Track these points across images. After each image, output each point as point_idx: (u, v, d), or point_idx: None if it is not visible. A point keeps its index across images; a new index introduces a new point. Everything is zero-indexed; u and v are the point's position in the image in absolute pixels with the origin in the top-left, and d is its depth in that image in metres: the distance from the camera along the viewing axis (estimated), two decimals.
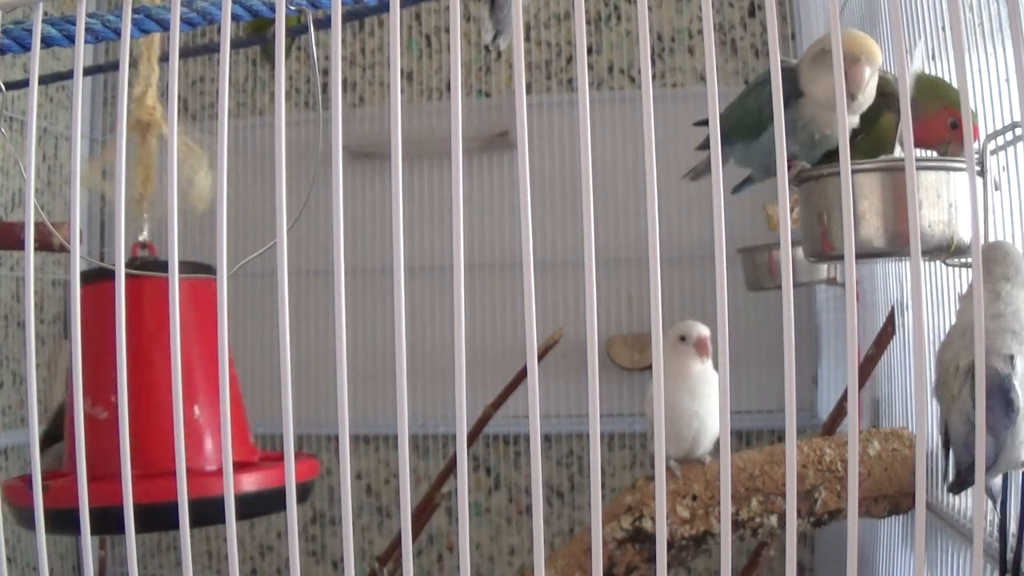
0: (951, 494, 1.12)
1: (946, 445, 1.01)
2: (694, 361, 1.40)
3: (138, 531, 0.67)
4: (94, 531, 0.69)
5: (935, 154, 1.11)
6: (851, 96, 1.06)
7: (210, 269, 1.32)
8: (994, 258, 0.94)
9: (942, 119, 1.06)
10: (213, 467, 1.25)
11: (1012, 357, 0.89)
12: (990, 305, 0.92)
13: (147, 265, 1.29)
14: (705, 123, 1.33)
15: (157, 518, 0.83)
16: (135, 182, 1.35)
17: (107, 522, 0.79)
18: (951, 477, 1.01)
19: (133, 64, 1.31)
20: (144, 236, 1.38)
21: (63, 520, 0.82)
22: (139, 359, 1.16)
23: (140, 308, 1.23)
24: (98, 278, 1.27)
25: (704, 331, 1.41)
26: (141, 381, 1.14)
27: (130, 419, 0.66)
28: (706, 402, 1.39)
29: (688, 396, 1.38)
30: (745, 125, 1.20)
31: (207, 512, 0.93)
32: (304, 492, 1.33)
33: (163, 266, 1.23)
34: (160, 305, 1.27)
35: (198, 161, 1.30)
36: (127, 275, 0.82)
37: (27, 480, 1.22)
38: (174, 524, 0.65)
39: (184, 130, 1.30)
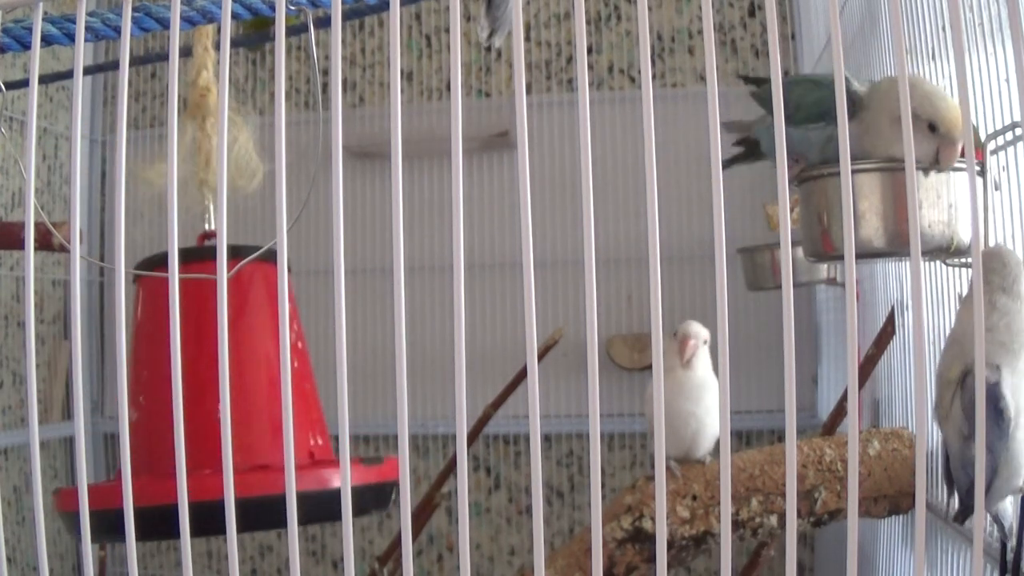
0: (957, 523, 1.07)
1: (948, 477, 1.00)
2: (675, 361, 1.36)
3: (195, 533, 0.67)
4: (141, 536, 0.69)
5: None
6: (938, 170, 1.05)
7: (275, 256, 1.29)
8: (991, 268, 0.92)
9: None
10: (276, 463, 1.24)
11: (999, 367, 0.88)
12: (984, 317, 0.91)
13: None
14: (751, 79, 1.29)
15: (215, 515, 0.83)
16: (195, 168, 1.34)
17: (154, 524, 0.80)
18: (955, 507, 0.99)
19: (138, 62, 1.31)
20: (210, 225, 1.37)
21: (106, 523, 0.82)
22: (209, 353, 1.13)
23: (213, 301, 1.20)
24: (153, 269, 1.25)
25: (694, 331, 1.36)
26: (208, 377, 1.10)
27: (192, 416, 0.67)
28: (704, 402, 1.38)
29: (684, 396, 1.37)
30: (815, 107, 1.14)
31: (269, 512, 0.93)
32: (387, 494, 1.32)
33: (232, 254, 1.20)
34: (238, 296, 1.24)
35: (246, 139, 1.30)
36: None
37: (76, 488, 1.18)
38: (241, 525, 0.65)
39: (236, 108, 1.29)
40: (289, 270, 1.30)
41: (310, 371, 1.45)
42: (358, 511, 1.27)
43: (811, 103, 1.14)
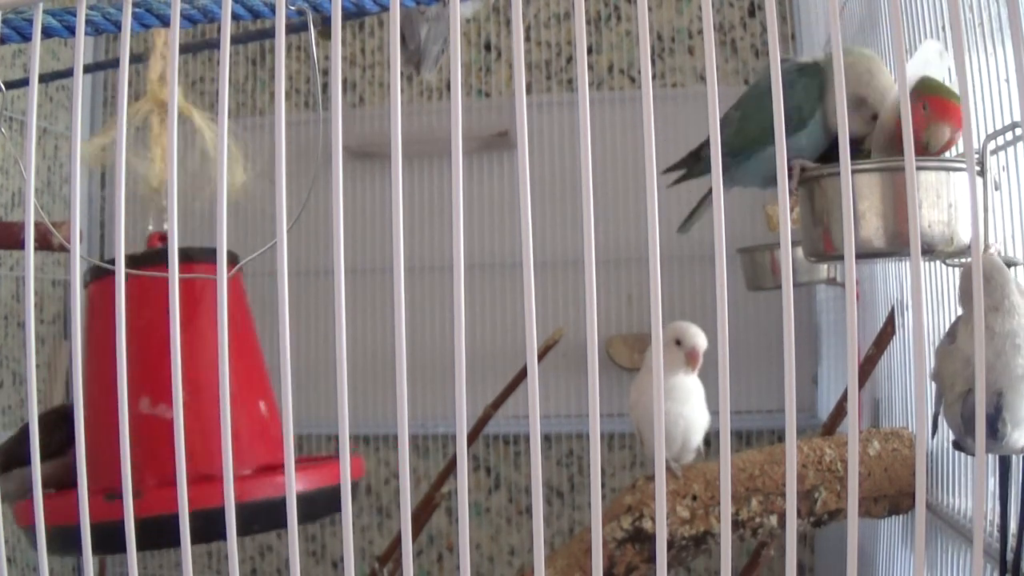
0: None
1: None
2: (683, 368, 1.38)
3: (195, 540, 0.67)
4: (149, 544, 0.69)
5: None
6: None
7: (234, 257, 1.26)
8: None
9: (917, 108, 1.04)
10: (248, 471, 1.24)
11: (1000, 394, 0.85)
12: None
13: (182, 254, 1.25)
14: (674, 168, 1.36)
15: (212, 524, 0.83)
16: (156, 167, 1.31)
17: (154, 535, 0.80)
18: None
19: (138, 60, 1.30)
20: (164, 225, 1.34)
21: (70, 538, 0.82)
22: (197, 353, 1.12)
23: (192, 301, 1.19)
24: (138, 268, 1.23)
25: (702, 343, 1.37)
26: (203, 376, 1.09)
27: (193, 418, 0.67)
28: (690, 402, 1.39)
29: (671, 398, 1.38)
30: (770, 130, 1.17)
31: (252, 517, 0.93)
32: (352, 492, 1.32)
33: (193, 255, 1.18)
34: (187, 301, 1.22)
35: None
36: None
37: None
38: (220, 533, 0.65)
39: (210, 116, 1.28)
40: (234, 262, 1.28)
41: (263, 373, 1.42)
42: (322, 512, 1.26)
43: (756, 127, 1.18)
